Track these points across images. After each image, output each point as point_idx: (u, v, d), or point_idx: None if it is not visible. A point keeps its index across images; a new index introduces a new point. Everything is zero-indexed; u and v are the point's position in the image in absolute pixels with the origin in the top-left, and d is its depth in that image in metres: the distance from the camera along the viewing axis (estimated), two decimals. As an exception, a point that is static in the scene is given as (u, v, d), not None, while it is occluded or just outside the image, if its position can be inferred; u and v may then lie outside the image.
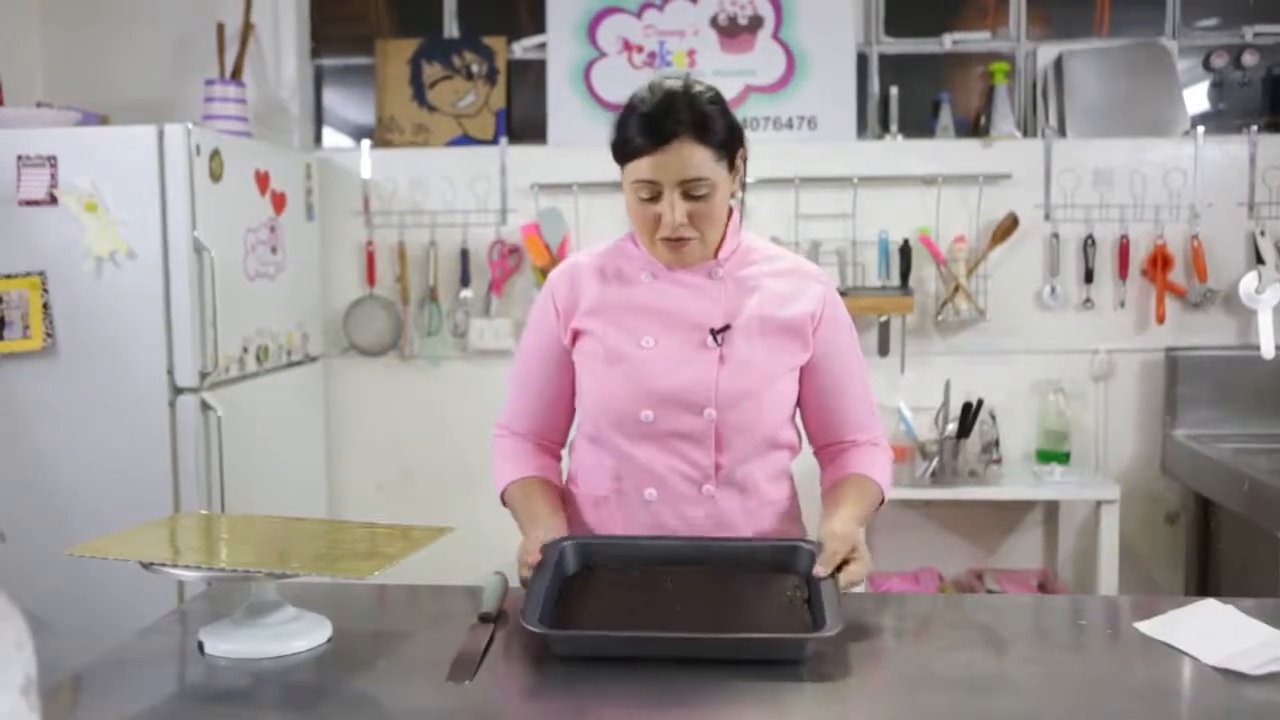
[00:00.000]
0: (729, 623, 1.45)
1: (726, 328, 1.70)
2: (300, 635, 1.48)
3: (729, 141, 1.67)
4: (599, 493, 1.78)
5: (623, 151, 1.67)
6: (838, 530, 1.61)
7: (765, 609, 1.49)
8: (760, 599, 1.52)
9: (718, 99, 1.68)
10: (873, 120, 3.86)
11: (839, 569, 1.55)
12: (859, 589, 1.63)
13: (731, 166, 1.69)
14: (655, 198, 1.65)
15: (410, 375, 3.83)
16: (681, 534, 1.72)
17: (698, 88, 1.67)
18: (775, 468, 1.77)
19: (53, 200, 2.84)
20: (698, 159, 1.62)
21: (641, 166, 1.64)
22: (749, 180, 1.85)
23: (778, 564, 1.61)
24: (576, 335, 1.76)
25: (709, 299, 1.72)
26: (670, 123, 1.61)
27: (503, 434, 1.89)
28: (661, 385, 1.69)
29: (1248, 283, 3.18)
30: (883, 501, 1.80)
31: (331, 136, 4.07)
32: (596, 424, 1.75)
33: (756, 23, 3.78)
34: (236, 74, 3.63)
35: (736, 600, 1.52)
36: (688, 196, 1.64)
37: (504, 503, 1.83)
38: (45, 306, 2.85)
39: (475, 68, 3.88)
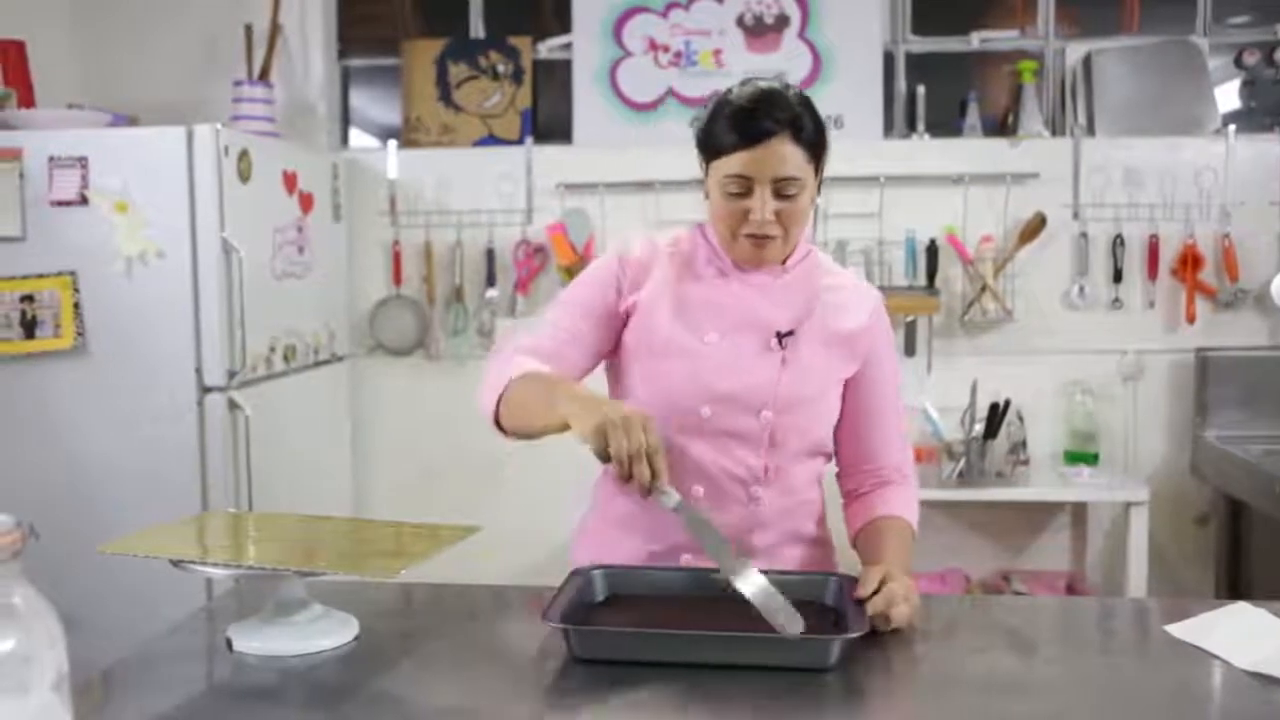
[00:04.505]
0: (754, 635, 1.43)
1: (791, 332, 1.69)
2: (327, 633, 1.48)
3: (818, 144, 1.66)
4: None
5: (713, 147, 1.66)
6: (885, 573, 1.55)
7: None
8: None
9: (809, 101, 1.67)
10: (899, 119, 3.84)
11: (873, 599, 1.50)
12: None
13: (818, 169, 1.68)
14: (745, 194, 1.64)
15: (436, 375, 3.85)
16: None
17: (791, 89, 1.67)
18: (814, 472, 1.77)
19: (84, 201, 2.87)
20: (792, 158, 1.62)
21: (734, 162, 1.63)
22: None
23: (809, 593, 1.57)
24: (631, 311, 1.73)
25: (775, 302, 1.71)
26: (768, 120, 1.61)
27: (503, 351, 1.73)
28: (722, 384, 1.67)
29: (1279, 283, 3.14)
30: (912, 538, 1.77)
31: (358, 137, 4.09)
32: None
33: (782, 22, 3.77)
34: (264, 75, 3.66)
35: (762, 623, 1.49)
36: (778, 195, 1.64)
37: (498, 423, 1.66)
38: (76, 306, 2.87)
39: (501, 68, 3.89)
